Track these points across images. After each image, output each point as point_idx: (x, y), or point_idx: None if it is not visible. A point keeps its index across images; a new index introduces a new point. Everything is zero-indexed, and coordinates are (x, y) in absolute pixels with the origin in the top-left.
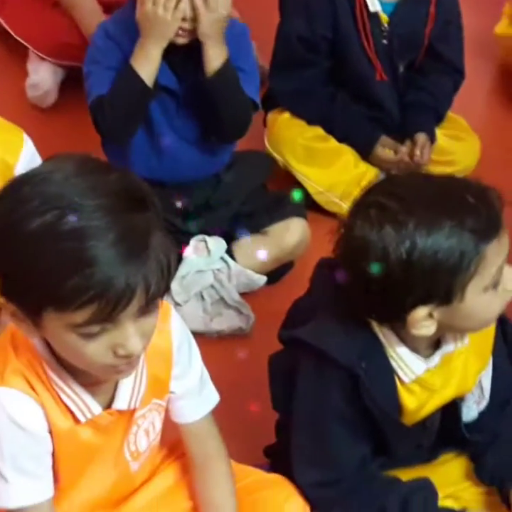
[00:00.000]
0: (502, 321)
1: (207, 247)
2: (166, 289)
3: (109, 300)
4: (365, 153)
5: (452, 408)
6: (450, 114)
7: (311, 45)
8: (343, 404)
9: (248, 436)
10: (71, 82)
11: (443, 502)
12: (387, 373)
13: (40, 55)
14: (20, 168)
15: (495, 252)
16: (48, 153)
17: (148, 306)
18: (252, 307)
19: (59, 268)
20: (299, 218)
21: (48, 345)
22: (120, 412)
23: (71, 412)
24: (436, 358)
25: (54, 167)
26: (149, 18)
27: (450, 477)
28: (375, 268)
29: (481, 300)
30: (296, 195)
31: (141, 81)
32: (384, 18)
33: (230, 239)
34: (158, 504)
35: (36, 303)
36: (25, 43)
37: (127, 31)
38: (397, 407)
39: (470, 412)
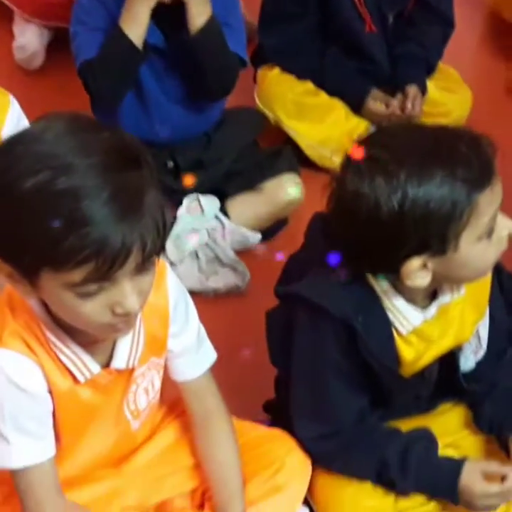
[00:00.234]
0: (498, 271)
1: (200, 206)
2: (162, 247)
3: (105, 258)
4: (357, 106)
5: (450, 358)
6: (441, 65)
7: None
8: (341, 357)
9: (247, 393)
10: (58, 44)
11: (443, 451)
12: (384, 325)
13: (25, 16)
14: (7, 130)
15: (488, 201)
16: (36, 116)
17: (145, 264)
18: (247, 264)
19: (54, 228)
20: (291, 174)
21: (45, 306)
22: (119, 371)
23: (70, 372)
24: (433, 308)
25: (45, 126)
26: None
27: (449, 426)
28: (367, 220)
29: (475, 249)
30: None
31: (131, 44)
32: None
33: (223, 197)
34: (160, 462)
35: (32, 263)
36: (9, 4)
37: None
38: (395, 358)
39: (467, 361)
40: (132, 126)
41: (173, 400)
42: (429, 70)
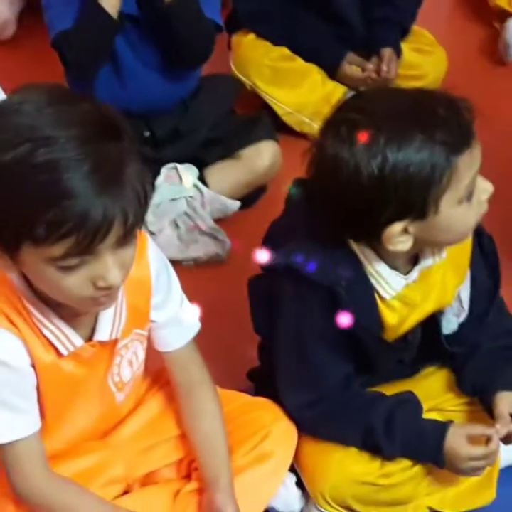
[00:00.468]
0: (478, 233)
1: (178, 175)
2: (143, 219)
3: (87, 232)
4: (333, 71)
5: (432, 322)
6: (415, 27)
7: None
8: (325, 323)
9: (231, 362)
10: (30, 13)
11: (427, 415)
12: (368, 291)
13: None
14: None
15: (467, 164)
16: (10, 86)
17: (127, 237)
18: (227, 233)
19: (35, 201)
20: (269, 141)
21: (26, 280)
22: (102, 343)
23: (53, 346)
24: (415, 273)
25: (24, 98)
26: None
27: (432, 390)
28: (348, 186)
29: (455, 213)
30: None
31: (106, 14)
32: None
33: (201, 165)
34: (145, 433)
35: (13, 238)
36: None
37: None
38: (379, 323)
39: (450, 324)
40: (108, 96)
41: (156, 371)
42: (404, 33)
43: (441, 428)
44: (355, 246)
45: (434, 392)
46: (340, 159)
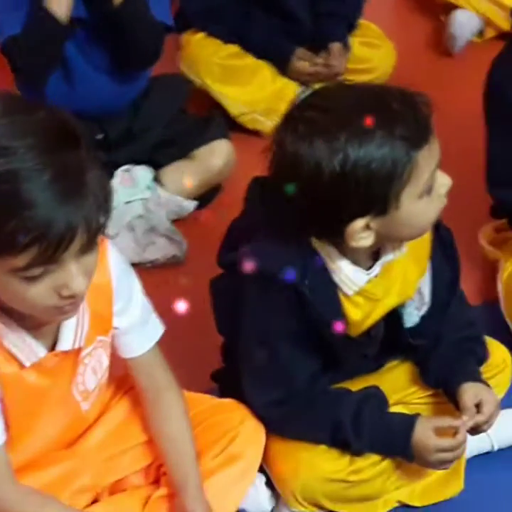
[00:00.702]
0: (436, 225)
1: (133, 177)
2: (106, 225)
3: (50, 241)
4: (282, 67)
5: (395, 316)
6: (362, 21)
7: None
8: (290, 322)
9: (193, 364)
10: None
11: (393, 409)
12: (331, 288)
13: None
14: None
15: (426, 158)
16: None
17: (90, 244)
18: (183, 233)
19: None
20: (223, 140)
21: None
22: (65, 352)
23: (15, 357)
24: (377, 268)
25: None
26: None
27: (397, 384)
28: (309, 183)
29: (416, 207)
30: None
31: (56, 20)
32: None
33: (155, 166)
34: (112, 441)
35: None
36: None
37: None
38: (343, 320)
39: (411, 317)
40: (58, 99)
41: (120, 377)
42: (351, 27)
43: (408, 421)
44: (317, 243)
45: (398, 386)
46: (301, 157)
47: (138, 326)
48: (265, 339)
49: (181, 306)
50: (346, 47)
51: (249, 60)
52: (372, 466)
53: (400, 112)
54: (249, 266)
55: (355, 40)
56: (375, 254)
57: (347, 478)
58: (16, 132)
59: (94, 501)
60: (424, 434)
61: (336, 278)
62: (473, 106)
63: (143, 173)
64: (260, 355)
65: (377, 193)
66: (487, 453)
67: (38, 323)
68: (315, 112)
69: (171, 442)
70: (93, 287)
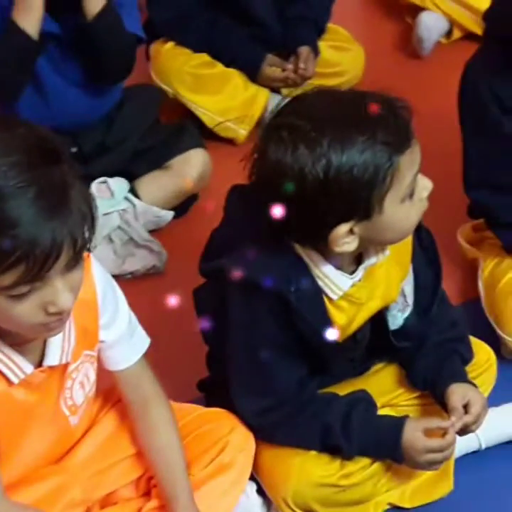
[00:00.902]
0: (417, 228)
1: (109, 189)
2: (91, 240)
3: (36, 259)
4: (253, 74)
5: (379, 319)
6: (330, 25)
7: None
8: (276, 329)
9: (177, 374)
10: None
11: (381, 411)
12: (316, 293)
13: None
14: None
15: (408, 162)
16: None
17: (76, 260)
18: (161, 243)
19: None
20: (198, 149)
21: None
22: (52, 368)
23: (2, 375)
24: (360, 272)
25: None
26: None
27: (384, 387)
28: (292, 190)
29: (399, 211)
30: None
31: (27, 36)
32: None
33: (131, 177)
34: (101, 454)
35: None
36: None
37: None
38: (328, 325)
39: (395, 320)
40: (32, 115)
41: (107, 390)
42: (320, 31)
43: (397, 423)
44: (300, 250)
45: (385, 389)
46: (284, 164)
47: (124, 339)
48: (251, 348)
49: (162, 316)
50: (315, 51)
51: (220, 68)
52: (362, 469)
53: (381, 117)
54: (233, 274)
55: (323, 44)
56: (357, 258)
57: (338, 482)
58: None
59: None
60: (413, 435)
61: (321, 283)
62: (443, 106)
63: (119, 184)
64: (247, 364)
65: (360, 198)
66: (475, 452)
67: (24, 340)
68: (297, 118)
69: (160, 454)
70: (78, 302)
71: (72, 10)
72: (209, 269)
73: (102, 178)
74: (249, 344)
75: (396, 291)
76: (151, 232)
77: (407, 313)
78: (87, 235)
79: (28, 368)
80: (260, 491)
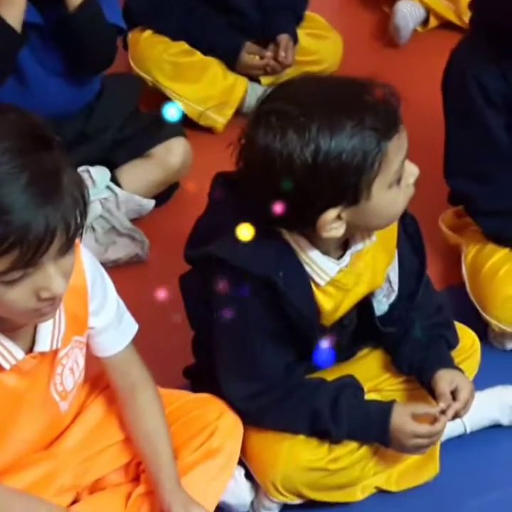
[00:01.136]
0: (402, 214)
1: (91, 177)
2: (84, 225)
3: (30, 244)
4: (232, 62)
5: (365, 304)
6: (308, 13)
7: None
8: (264, 315)
9: (163, 361)
10: None
11: (367, 396)
12: (303, 279)
13: None
14: None
15: (396, 148)
16: None
17: (68, 245)
18: (144, 232)
19: None
20: (179, 138)
21: None
22: (43, 354)
23: None
24: (347, 258)
25: None
26: None
27: (370, 371)
28: (281, 176)
29: (386, 197)
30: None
31: (10, 28)
32: None
33: (113, 166)
34: (90, 440)
35: None
36: None
37: None
38: (315, 310)
39: (381, 306)
40: (10, 101)
41: (95, 376)
42: (298, 19)
43: (385, 408)
44: (287, 235)
45: (371, 374)
46: (272, 150)
47: (112, 325)
48: (239, 333)
49: (147, 304)
50: (294, 39)
51: (199, 56)
52: (350, 453)
53: (369, 103)
54: (220, 260)
55: (301, 32)
56: (344, 244)
57: (326, 466)
58: None
59: (75, 501)
60: (401, 419)
61: (308, 268)
62: (421, 94)
63: (101, 173)
64: (235, 349)
65: (348, 184)
66: (460, 436)
67: (15, 326)
68: (286, 104)
69: (147, 439)
70: (68, 288)
71: (55, 1)
72: (195, 256)
73: (83, 167)
74: (238, 330)
75: (382, 277)
76: (133, 220)
77: (392, 299)
78: (79, 220)
79: (20, 353)
80: (249, 476)
